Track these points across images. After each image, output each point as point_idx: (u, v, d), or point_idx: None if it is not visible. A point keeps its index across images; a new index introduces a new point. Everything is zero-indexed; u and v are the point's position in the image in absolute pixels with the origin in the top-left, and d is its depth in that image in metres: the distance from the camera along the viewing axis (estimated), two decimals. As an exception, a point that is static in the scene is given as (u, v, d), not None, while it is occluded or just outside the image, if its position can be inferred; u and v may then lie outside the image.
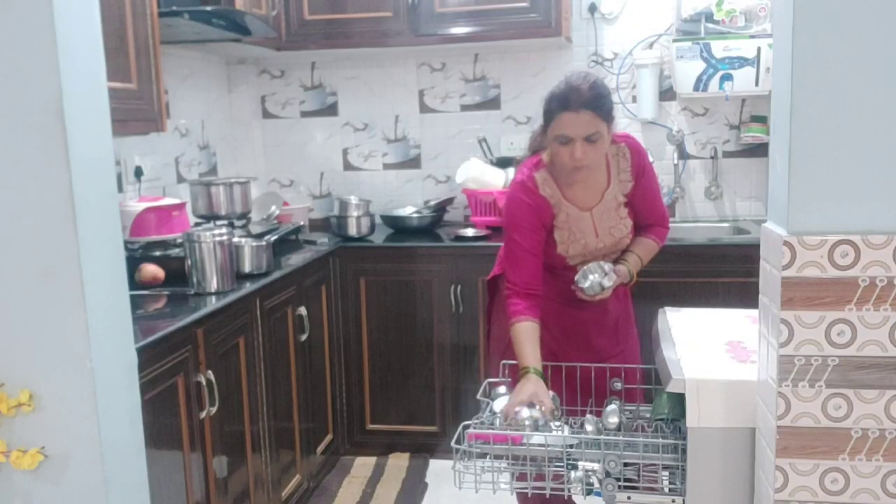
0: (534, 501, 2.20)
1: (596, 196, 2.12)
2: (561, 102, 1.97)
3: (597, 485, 1.59)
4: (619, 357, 2.18)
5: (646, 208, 2.18)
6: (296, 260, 2.91)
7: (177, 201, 2.68)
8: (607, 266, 2.07)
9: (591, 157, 1.98)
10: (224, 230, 2.42)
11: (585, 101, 1.93)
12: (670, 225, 2.27)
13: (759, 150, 3.42)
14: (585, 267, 2.07)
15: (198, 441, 2.10)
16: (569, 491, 1.63)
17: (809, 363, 1.20)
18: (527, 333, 1.98)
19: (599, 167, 2.09)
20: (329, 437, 3.19)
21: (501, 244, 2.17)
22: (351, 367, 3.31)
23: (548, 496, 1.73)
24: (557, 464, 1.63)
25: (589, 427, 1.65)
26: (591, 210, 2.11)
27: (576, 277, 2.07)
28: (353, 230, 3.33)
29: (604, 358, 2.12)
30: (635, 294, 2.35)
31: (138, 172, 2.87)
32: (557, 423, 1.70)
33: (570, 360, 1.98)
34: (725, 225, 3.44)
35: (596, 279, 2.05)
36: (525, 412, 1.73)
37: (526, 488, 1.67)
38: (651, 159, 2.23)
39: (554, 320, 2.15)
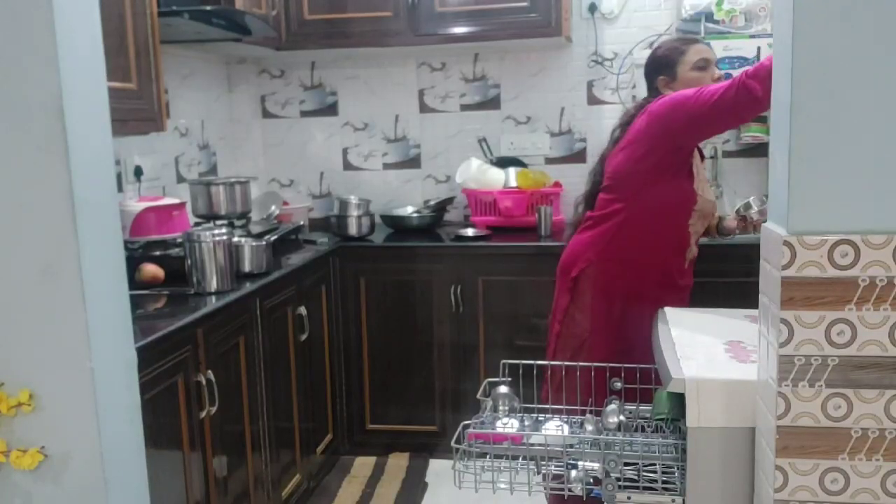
0: (559, 500, 2.19)
1: None
2: (684, 41, 2.34)
3: (597, 484, 1.59)
4: None
5: None
6: (296, 260, 2.91)
7: (177, 201, 2.68)
8: None
9: None
10: (224, 230, 2.42)
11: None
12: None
13: (758, 149, 3.42)
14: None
15: (198, 441, 2.10)
16: (569, 490, 1.63)
17: (809, 363, 1.20)
18: None
19: None
20: (329, 437, 3.19)
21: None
22: (351, 367, 3.30)
23: (566, 497, 1.72)
24: (557, 463, 1.62)
25: (589, 427, 1.64)
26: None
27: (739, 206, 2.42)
28: (353, 230, 3.33)
29: None
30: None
31: (138, 172, 2.87)
32: (557, 424, 1.70)
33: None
34: (725, 225, 3.44)
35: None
36: None
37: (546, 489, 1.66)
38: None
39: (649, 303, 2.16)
